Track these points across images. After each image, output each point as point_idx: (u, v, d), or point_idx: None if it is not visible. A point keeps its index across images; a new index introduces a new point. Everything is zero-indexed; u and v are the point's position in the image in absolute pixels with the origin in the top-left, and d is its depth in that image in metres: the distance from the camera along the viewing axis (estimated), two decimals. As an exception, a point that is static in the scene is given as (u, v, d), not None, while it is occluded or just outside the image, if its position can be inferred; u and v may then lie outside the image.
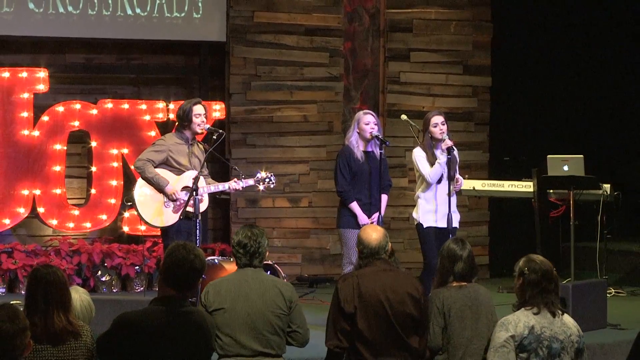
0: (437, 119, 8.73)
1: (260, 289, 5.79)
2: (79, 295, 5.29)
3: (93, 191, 10.81)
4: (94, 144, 10.80)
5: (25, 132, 10.53)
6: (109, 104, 10.83)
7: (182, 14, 11.07)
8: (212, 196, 8.99)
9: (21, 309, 4.56)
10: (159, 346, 4.92)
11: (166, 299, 5.05)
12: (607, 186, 10.58)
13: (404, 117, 9.44)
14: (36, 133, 10.57)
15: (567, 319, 5.42)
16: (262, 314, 5.74)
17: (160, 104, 10.95)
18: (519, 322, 5.28)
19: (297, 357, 6.08)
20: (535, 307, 5.31)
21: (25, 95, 10.51)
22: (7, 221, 10.50)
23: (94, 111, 10.78)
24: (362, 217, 8.54)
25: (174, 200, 8.31)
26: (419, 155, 8.80)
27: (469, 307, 5.99)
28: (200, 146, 8.60)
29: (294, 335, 5.84)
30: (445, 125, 8.73)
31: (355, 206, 8.57)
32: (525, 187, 10.80)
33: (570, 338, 5.34)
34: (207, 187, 8.42)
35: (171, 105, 10.86)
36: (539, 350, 5.26)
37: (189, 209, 8.24)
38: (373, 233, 5.88)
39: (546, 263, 5.42)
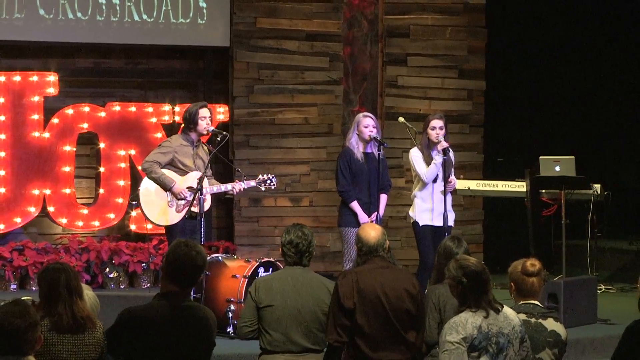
0: (436, 123, 8.75)
1: (310, 287, 5.83)
2: (84, 292, 5.29)
3: (101, 191, 10.81)
4: (102, 145, 10.80)
5: (36, 134, 10.53)
6: (116, 107, 10.83)
7: (187, 20, 11.07)
8: (215, 195, 8.98)
9: (31, 305, 4.56)
10: (162, 339, 4.93)
11: (169, 295, 5.05)
12: (597, 186, 10.58)
13: (401, 119, 9.45)
14: (46, 135, 10.57)
15: (507, 310, 5.34)
16: (312, 311, 5.78)
17: (166, 107, 10.95)
18: (466, 323, 5.16)
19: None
20: (482, 309, 5.20)
21: (36, 99, 10.51)
22: (18, 220, 10.51)
23: (102, 114, 10.78)
24: (362, 216, 8.55)
25: (181, 199, 8.30)
26: (415, 155, 8.82)
27: (464, 302, 5.98)
28: (205, 148, 8.60)
29: None
30: (444, 130, 8.74)
31: (356, 205, 8.58)
32: (518, 187, 10.79)
33: (515, 329, 5.27)
34: (210, 188, 8.42)
35: (177, 108, 10.86)
36: (489, 348, 5.18)
37: (194, 208, 8.24)
38: (371, 231, 5.87)
39: (479, 264, 5.31)
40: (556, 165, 10.38)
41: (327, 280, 5.99)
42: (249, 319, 5.84)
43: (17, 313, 4.34)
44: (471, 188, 10.90)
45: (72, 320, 4.88)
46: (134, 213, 10.70)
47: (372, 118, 8.74)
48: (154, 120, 10.89)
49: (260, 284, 5.86)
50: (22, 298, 4.66)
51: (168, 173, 8.36)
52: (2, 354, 4.36)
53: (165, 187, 8.30)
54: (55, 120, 10.60)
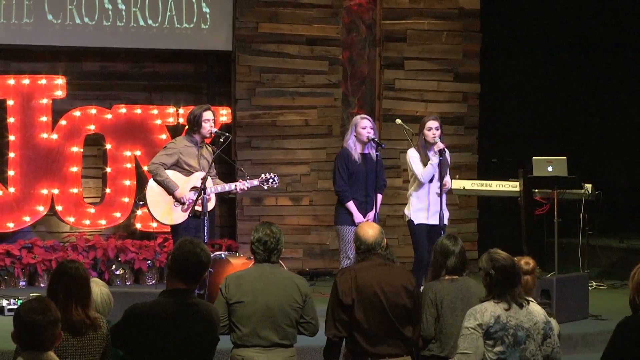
0: (432, 124, 8.75)
1: (279, 284, 5.77)
2: (99, 288, 5.26)
3: (108, 190, 10.80)
4: (108, 146, 10.79)
5: (45, 135, 10.53)
6: (122, 109, 10.82)
7: (191, 25, 11.07)
8: (219, 195, 8.98)
9: (52, 302, 4.53)
10: (168, 335, 4.92)
11: (174, 291, 5.04)
12: (588, 186, 10.58)
13: (398, 121, 9.45)
14: (54, 136, 10.56)
15: (534, 307, 5.37)
16: (280, 307, 5.72)
17: (171, 109, 10.94)
18: (485, 312, 5.24)
19: (298, 345, 6.06)
20: (505, 302, 5.26)
21: (44, 101, 10.51)
22: (27, 219, 10.50)
23: (109, 116, 10.77)
24: (357, 216, 8.55)
25: (182, 204, 8.32)
26: (412, 156, 8.81)
27: (460, 299, 5.98)
28: (209, 148, 8.60)
29: (306, 326, 5.82)
30: (439, 131, 8.74)
31: (351, 205, 8.58)
32: (512, 186, 10.79)
33: (537, 325, 5.29)
34: (214, 187, 8.42)
35: (181, 110, 10.86)
36: (505, 338, 5.22)
37: (198, 207, 8.24)
38: (369, 230, 5.87)
39: (508, 259, 5.36)
40: (549, 165, 10.38)
41: (297, 277, 5.94)
42: (220, 315, 5.72)
43: (38, 310, 4.33)
44: (466, 188, 10.90)
45: (65, 324, 4.81)
46: (139, 212, 10.70)
47: (369, 120, 8.73)
48: (158, 122, 10.88)
49: (230, 281, 5.79)
50: (31, 295, 4.65)
51: (173, 174, 8.36)
52: (24, 349, 4.36)
53: (169, 190, 8.32)
54: (63, 122, 10.60)
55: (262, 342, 5.69)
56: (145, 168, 10.10)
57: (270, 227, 5.88)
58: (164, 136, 10.80)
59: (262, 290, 5.73)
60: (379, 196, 8.74)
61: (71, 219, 10.65)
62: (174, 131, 10.71)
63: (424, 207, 8.74)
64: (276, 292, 5.73)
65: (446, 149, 8.78)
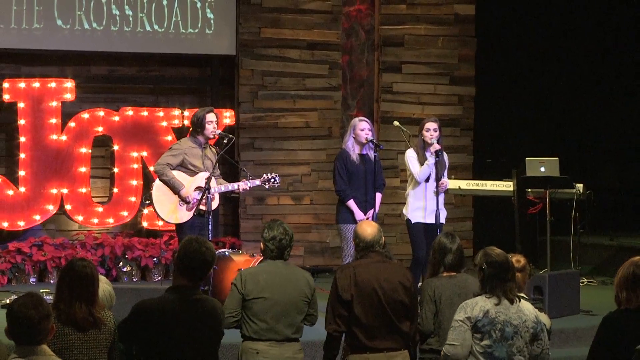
0: (431, 125, 8.77)
1: (293, 279, 5.83)
2: (101, 284, 5.26)
3: (115, 190, 10.80)
4: (116, 147, 10.79)
5: (54, 136, 10.53)
6: (129, 112, 10.82)
7: (196, 30, 11.06)
8: (223, 194, 8.99)
9: (44, 297, 4.55)
10: (173, 330, 4.93)
11: (179, 288, 5.05)
12: (580, 185, 10.59)
13: (396, 123, 9.46)
14: (64, 137, 10.56)
15: (526, 305, 5.37)
16: (296, 301, 5.79)
17: (176, 112, 10.94)
18: (475, 306, 5.26)
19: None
20: (496, 297, 5.27)
21: (54, 104, 10.51)
22: (37, 217, 10.50)
23: (116, 118, 10.77)
24: (358, 214, 8.55)
25: (187, 203, 8.33)
26: (410, 156, 8.83)
27: (458, 294, 5.97)
28: (213, 149, 8.60)
29: (309, 318, 5.91)
30: (437, 132, 8.75)
31: (352, 204, 8.57)
32: (506, 186, 10.79)
33: (525, 324, 5.29)
34: (218, 187, 8.42)
35: (186, 113, 10.85)
36: (492, 333, 5.23)
37: (202, 206, 8.24)
38: (368, 228, 5.87)
39: (502, 255, 5.38)
40: (541, 166, 10.38)
41: (306, 272, 6.02)
42: (233, 310, 5.74)
43: (30, 305, 4.35)
44: (462, 187, 10.89)
45: (69, 319, 4.83)
46: (145, 211, 10.70)
47: (367, 122, 8.74)
48: (164, 124, 10.88)
49: (246, 277, 5.80)
50: (41, 290, 4.66)
51: (178, 174, 8.37)
52: (18, 343, 4.36)
53: (174, 190, 8.33)
54: (72, 124, 10.60)
55: (276, 336, 5.74)
56: (151, 168, 10.09)
57: (283, 225, 5.94)
58: (169, 137, 10.80)
59: (279, 287, 5.78)
60: (379, 195, 8.74)
61: (80, 218, 10.65)
62: (179, 133, 10.70)
63: (421, 207, 8.74)
64: (291, 288, 5.80)
65: (443, 151, 8.79)
